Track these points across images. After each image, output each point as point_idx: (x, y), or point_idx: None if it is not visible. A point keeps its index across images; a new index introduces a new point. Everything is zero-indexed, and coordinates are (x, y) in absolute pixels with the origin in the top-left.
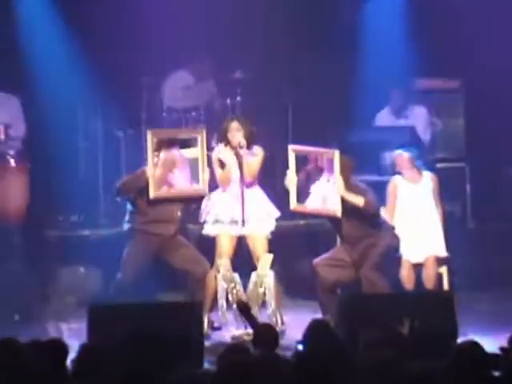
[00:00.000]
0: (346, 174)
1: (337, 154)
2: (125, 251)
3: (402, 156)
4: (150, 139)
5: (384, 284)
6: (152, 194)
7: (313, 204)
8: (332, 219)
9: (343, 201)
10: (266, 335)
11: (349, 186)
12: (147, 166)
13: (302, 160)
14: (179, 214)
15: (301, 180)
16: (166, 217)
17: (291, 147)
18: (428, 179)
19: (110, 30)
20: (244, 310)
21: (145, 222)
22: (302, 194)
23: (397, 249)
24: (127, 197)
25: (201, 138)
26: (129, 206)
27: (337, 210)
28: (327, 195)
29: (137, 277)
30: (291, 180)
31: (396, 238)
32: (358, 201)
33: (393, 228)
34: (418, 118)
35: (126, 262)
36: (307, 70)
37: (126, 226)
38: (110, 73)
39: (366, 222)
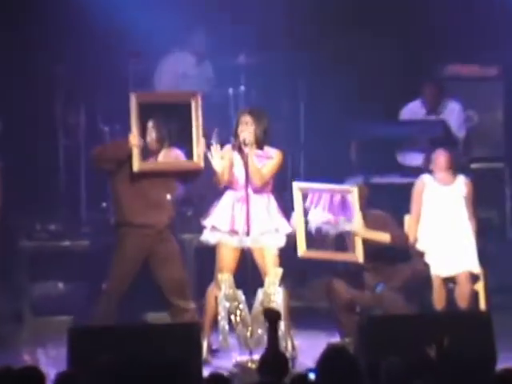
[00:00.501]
0: (361, 205)
1: (355, 190)
2: (113, 255)
3: (444, 155)
4: (135, 103)
5: (406, 306)
6: (136, 166)
7: (326, 247)
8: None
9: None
10: (274, 362)
11: (367, 220)
12: (131, 134)
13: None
14: (169, 197)
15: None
16: (154, 202)
17: (296, 185)
18: (461, 183)
19: (90, 6)
20: (274, 321)
21: (131, 212)
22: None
23: (426, 276)
24: (104, 169)
25: (195, 103)
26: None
27: (358, 255)
28: (344, 237)
29: (125, 285)
30: (298, 223)
31: (426, 266)
32: (384, 238)
33: (422, 254)
34: (452, 114)
35: (114, 266)
36: (322, 54)
37: (112, 221)
38: (93, 57)
39: (391, 257)
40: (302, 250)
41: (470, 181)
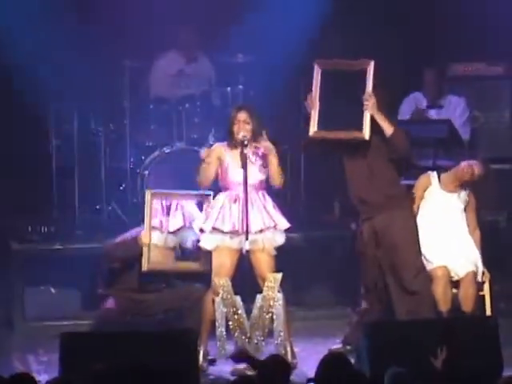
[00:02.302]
0: (380, 94)
1: (372, 64)
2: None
3: (480, 169)
4: (149, 199)
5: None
6: (145, 266)
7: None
8: (352, 155)
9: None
10: (274, 369)
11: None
12: (142, 232)
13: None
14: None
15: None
16: (148, 288)
17: (317, 61)
18: (464, 194)
19: (86, 4)
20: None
21: (124, 288)
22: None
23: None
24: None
25: (207, 202)
26: (105, 273)
27: (365, 131)
28: (352, 114)
29: None
30: (314, 101)
31: (414, 218)
32: (388, 127)
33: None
34: (456, 110)
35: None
36: (324, 51)
37: (99, 291)
38: (87, 56)
39: (391, 166)
40: (313, 129)
41: (472, 193)
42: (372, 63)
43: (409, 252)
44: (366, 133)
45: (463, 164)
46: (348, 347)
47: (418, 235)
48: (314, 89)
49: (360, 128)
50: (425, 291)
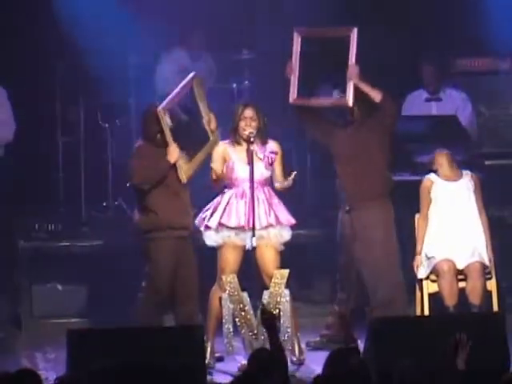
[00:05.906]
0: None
1: (355, 31)
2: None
3: (444, 154)
4: (162, 116)
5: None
6: (184, 178)
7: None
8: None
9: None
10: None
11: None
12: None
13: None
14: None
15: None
16: (186, 204)
17: (296, 29)
18: (467, 178)
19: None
20: (271, 324)
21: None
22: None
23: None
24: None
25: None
26: None
27: (348, 98)
28: (335, 81)
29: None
30: (293, 68)
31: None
32: (376, 94)
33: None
34: (455, 103)
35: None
36: (330, 47)
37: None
38: (92, 53)
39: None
40: (293, 96)
41: (476, 175)
42: (355, 30)
43: (385, 248)
44: (350, 99)
45: (434, 155)
46: (324, 340)
47: (394, 231)
48: (293, 56)
49: (343, 94)
50: (399, 283)
